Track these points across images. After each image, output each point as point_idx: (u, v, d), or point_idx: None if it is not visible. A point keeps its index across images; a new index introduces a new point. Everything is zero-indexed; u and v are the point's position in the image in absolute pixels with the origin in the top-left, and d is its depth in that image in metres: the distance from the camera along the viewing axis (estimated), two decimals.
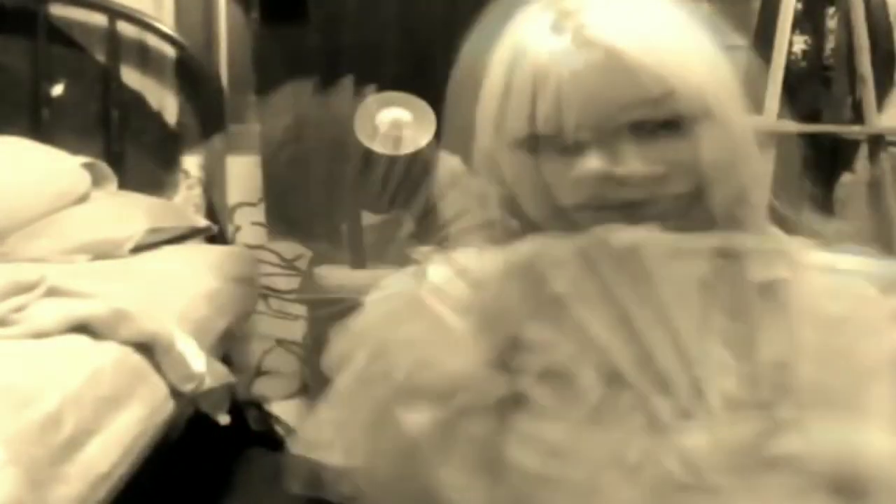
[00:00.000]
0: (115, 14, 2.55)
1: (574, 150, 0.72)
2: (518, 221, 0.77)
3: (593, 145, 0.71)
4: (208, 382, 1.62)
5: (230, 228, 2.73)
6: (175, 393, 1.57)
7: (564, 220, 0.74)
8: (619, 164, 0.71)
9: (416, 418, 0.73)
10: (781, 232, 0.81)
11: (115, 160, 2.56)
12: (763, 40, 2.65)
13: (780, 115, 2.58)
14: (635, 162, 0.71)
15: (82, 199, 2.32)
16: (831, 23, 2.63)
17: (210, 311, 1.94)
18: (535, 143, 0.73)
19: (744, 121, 0.76)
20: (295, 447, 0.81)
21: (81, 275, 1.94)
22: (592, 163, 0.70)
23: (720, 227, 0.74)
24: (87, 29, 2.58)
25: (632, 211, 0.71)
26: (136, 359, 1.46)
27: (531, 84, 0.71)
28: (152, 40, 2.60)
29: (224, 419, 1.73)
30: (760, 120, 2.63)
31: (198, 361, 1.58)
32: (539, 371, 0.72)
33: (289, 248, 2.77)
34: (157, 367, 1.52)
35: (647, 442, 0.69)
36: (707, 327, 0.72)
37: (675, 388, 0.70)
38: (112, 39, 2.56)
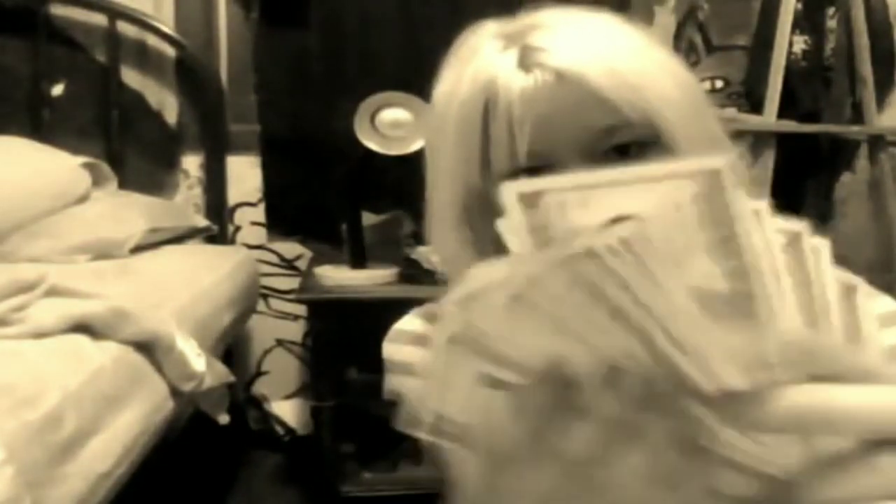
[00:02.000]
0: (115, 14, 2.55)
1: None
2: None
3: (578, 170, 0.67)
4: (208, 382, 1.62)
5: (230, 228, 2.74)
6: (175, 392, 1.57)
7: None
8: None
9: None
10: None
11: (115, 160, 2.56)
12: (763, 40, 2.65)
13: (780, 115, 2.58)
14: None
15: (82, 199, 2.32)
16: (831, 23, 2.63)
17: (210, 311, 1.94)
18: (523, 175, 0.69)
19: (702, 144, 0.71)
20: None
21: (81, 275, 1.94)
22: None
23: None
24: (87, 29, 2.58)
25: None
26: (137, 358, 1.46)
27: (506, 120, 0.68)
28: (152, 40, 2.60)
29: (224, 419, 1.73)
30: (760, 120, 2.64)
31: (198, 361, 1.58)
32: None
33: (289, 248, 2.78)
34: (158, 367, 1.52)
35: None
36: None
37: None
38: (112, 39, 2.56)
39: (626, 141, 0.68)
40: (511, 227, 0.34)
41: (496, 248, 0.73)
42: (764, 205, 0.36)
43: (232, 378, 1.73)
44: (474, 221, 0.73)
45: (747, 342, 0.35)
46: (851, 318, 0.38)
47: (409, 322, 0.86)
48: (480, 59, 0.71)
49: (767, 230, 0.36)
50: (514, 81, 0.68)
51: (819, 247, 0.37)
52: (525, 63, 0.68)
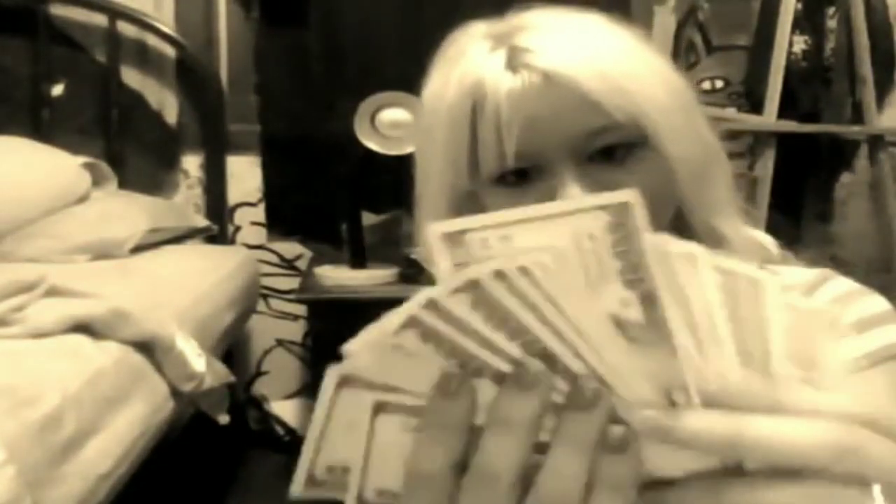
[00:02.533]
0: (115, 14, 2.55)
1: (540, 179, 0.69)
2: None
3: (567, 172, 0.68)
4: (208, 382, 1.62)
5: (230, 228, 2.74)
6: (175, 393, 1.57)
7: None
8: (595, 186, 0.68)
9: None
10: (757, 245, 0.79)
11: (115, 160, 2.56)
12: (763, 40, 2.65)
13: (780, 115, 2.58)
14: (607, 185, 0.67)
15: (82, 199, 2.32)
16: (831, 23, 2.64)
17: (210, 311, 1.94)
18: (510, 178, 0.70)
19: (690, 147, 0.72)
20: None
21: (81, 275, 1.94)
22: (575, 190, 0.67)
23: None
24: (87, 29, 2.58)
25: None
26: (137, 358, 1.46)
27: (494, 121, 0.68)
28: (152, 40, 2.60)
29: (223, 419, 1.73)
30: (760, 120, 2.64)
31: (198, 361, 1.58)
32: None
33: (289, 248, 2.78)
34: (158, 367, 1.52)
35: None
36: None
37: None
38: (112, 39, 2.56)
39: (613, 143, 0.68)
40: (437, 266, 0.36)
41: None
42: (699, 249, 0.37)
43: (232, 378, 1.73)
44: None
45: (662, 366, 0.36)
46: (805, 344, 0.39)
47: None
48: (468, 61, 0.71)
49: (702, 271, 0.37)
50: (501, 83, 0.68)
51: (762, 280, 0.38)
52: (512, 64, 0.68)
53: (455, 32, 0.74)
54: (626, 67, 0.69)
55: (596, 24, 0.72)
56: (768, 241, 0.80)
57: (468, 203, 0.72)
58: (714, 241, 0.74)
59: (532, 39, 0.69)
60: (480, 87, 0.68)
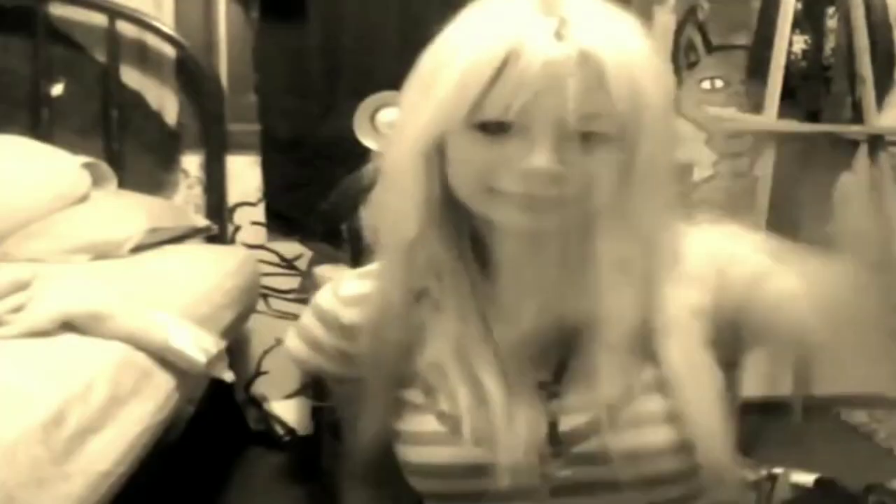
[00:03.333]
0: (115, 14, 2.55)
1: (519, 138, 0.74)
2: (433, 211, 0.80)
3: (546, 141, 0.73)
4: (210, 361, 1.61)
5: (230, 228, 2.74)
6: (178, 389, 1.57)
7: (488, 202, 0.77)
8: (563, 164, 0.73)
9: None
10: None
11: (115, 160, 2.56)
12: (763, 40, 2.65)
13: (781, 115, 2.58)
14: (572, 165, 0.74)
15: (82, 199, 2.32)
16: (831, 23, 2.64)
17: (210, 311, 1.94)
18: (493, 127, 0.74)
19: (660, 154, 0.78)
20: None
21: (81, 275, 1.94)
22: (543, 160, 0.73)
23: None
24: (87, 29, 2.58)
25: (541, 207, 0.75)
26: (139, 358, 1.46)
27: (520, 76, 0.72)
28: (152, 40, 2.60)
29: (229, 377, 1.73)
30: (760, 120, 2.64)
31: (199, 355, 1.57)
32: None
33: (289, 248, 2.78)
34: (162, 363, 1.52)
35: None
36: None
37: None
38: (112, 39, 2.56)
39: (594, 129, 0.73)
40: None
41: (436, 182, 0.77)
42: None
43: (223, 343, 1.72)
44: (429, 175, 0.78)
45: None
46: None
47: (355, 286, 0.90)
48: (513, 18, 0.74)
49: None
50: (543, 46, 0.72)
51: None
52: (559, 33, 0.73)
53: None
54: (643, 66, 0.75)
55: (625, 19, 0.77)
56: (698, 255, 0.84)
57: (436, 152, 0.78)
58: (640, 244, 0.79)
59: (578, 17, 0.74)
60: (520, 43, 0.72)
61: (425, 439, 0.84)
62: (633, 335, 0.79)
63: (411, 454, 0.85)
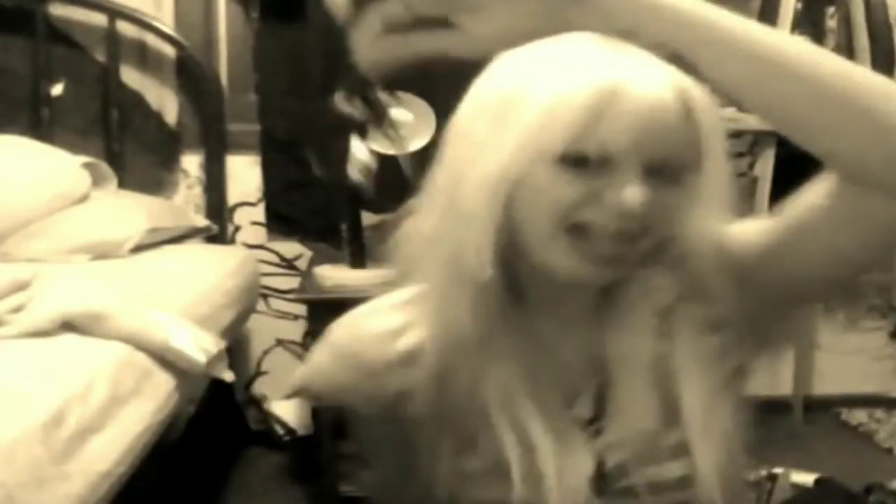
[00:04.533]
0: (115, 14, 2.55)
1: (607, 172, 0.73)
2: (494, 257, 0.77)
3: (638, 177, 0.73)
4: (210, 361, 1.61)
5: (230, 228, 2.74)
6: (178, 389, 1.57)
7: (563, 241, 0.75)
8: (649, 197, 0.73)
9: None
10: None
11: (115, 160, 2.56)
12: None
13: None
14: (657, 199, 0.73)
15: (82, 199, 2.32)
16: (831, 23, 2.64)
17: (210, 311, 1.94)
18: (574, 160, 0.73)
19: (724, 180, 0.78)
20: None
21: (81, 275, 1.94)
22: (639, 195, 0.72)
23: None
24: (87, 29, 2.58)
25: (624, 244, 0.75)
26: (140, 357, 1.46)
27: (597, 101, 0.71)
28: (152, 40, 2.60)
29: (229, 377, 1.73)
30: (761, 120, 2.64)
31: (199, 355, 1.57)
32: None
33: (289, 248, 2.78)
34: (162, 363, 1.52)
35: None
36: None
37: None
38: (112, 39, 2.56)
39: (673, 160, 0.74)
40: None
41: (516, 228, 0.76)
42: None
43: (223, 343, 1.72)
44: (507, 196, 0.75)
45: None
46: None
47: (386, 319, 0.85)
48: (592, 53, 0.73)
49: None
50: (648, 85, 0.72)
51: None
52: (656, 76, 0.73)
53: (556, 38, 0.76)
54: (716, 117, 0.76)
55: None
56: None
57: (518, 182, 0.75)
58: (685, 260, 0.79)
59: (643, 54, 0.74)
60: (621, 80, 0.71)
61: (474, 478, 0.81)
62: (659, 365, 0.80)
63: (460, 492, 0.82)
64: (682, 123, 0.73)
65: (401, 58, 0.72)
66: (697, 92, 0.74)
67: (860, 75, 0.69)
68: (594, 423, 0.81)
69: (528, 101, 0.73)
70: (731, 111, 3.08)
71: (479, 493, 0.82)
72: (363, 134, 2.02)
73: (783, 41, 0.71)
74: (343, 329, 0.86)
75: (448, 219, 0.78)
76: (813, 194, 0.78)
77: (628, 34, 0.67)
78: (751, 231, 0.81)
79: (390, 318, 0.84)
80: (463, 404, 0.80)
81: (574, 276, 0.76)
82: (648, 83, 0.72)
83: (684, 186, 0.75)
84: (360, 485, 0.92)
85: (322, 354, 0.87)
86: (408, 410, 0.82)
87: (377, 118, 1.98)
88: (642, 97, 0.71)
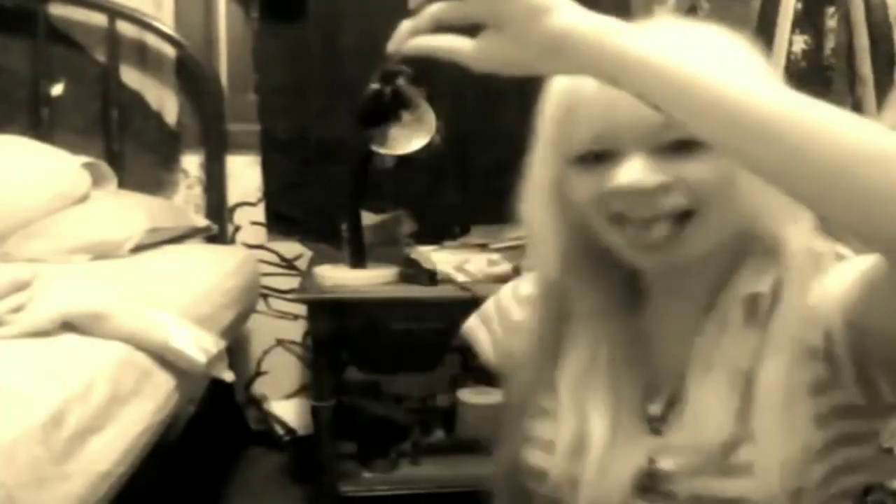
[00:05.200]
0: (115, 14, 2.55)
1: (614, 161, 0.76)
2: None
3: (636, 158, 0.75)
4: (210, 361, 1.61)
5: (230, 228, 2.74)
6: (178, 389, 1.56)
7: (614, 232, 0.80)
8: (664, 174, 0.75)
9: None
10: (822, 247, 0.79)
11: (115, 160, 2.56)
12: (763, 40, 2.64)
13: None
14: (676, 174, 0.75)
15: (82, 199, 2.32)
16: (831, 23, 2.63)
17: (210, 311, 1.94)
18: (591, 158, 0.78)
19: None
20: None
21: (81, 275, 1.94)
22: (628, 175, 0.75)
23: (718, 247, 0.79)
24: (87, 29, 2.58)
25: (647, 227, 0.76)
26: (140, 357, 1.46)
27: (584, 104, 0.77)
28: (152, 40, 2.60)
29: (229, 377, 1.73)
30: None
31: (199, 355, 1.57)
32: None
33: (289, 248, 2.78)
34: (162, 363, 1.52)
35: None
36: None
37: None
38: (112, 39, 2.56)
39: (684, 137, 0.73)
40: None
41: (572, 224, 0.82)
42: None
43: (223, 344, 1.72)
44: (561, 199, 0.82)
45: None
46: None
47: (526, 285, 0.96)
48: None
49: None
50: None
51: None
52: None
53: None
54: None
55: (677, 23, 0.83)
56: (827, 247, 0.79)
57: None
58: (776, 248, 0.78)
59: None
60: (580, 83, 0.77)
61: (533, 444, 0.87)
62: (743, 380, 0.77)
63: (528, 455, 0.88)
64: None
65: (422, 52, 0.76)
66: None
67: (849, 137, 0.58)
68: (659, 423, 0.81)
69: (540, 115, 0.82)
70: None
71: (532, 459, 0.86)
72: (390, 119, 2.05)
73: (767, 100, 0.60)
74: (506, 288, 1.00)
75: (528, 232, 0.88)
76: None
77: (612, 82, 0.66)
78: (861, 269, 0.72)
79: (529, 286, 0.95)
80: (546, 376, 0.87)
81: (635, 264, 0.80)
82: None
83: (710, 156, 0.74)
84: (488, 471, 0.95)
85: (489, 304, 1.01)
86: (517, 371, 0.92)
87: (403, 106, 2.02)
88: (590, 85, 0.74)
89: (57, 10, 2.56)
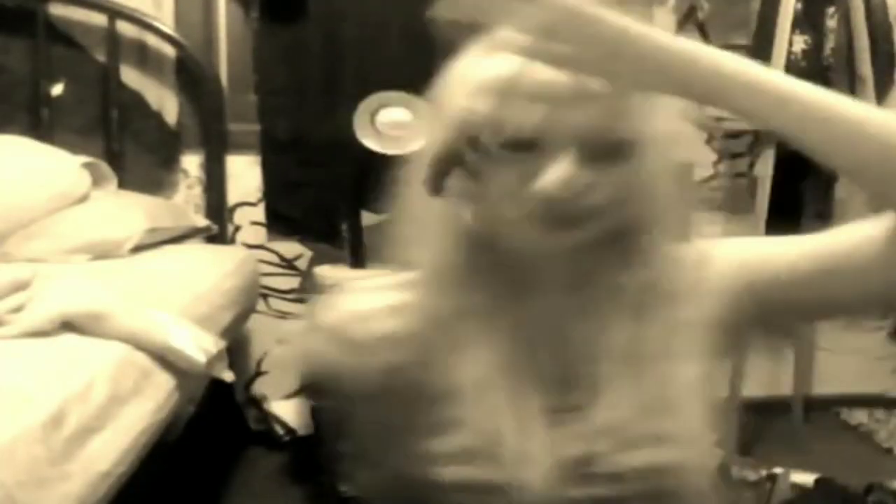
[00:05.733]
0: (115, 14, 2.55)
1: (535, 153, 0.74)
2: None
3: (563, 157, 0.73)
4: (210, 361, 1.61)
5: (230, 228, 2.74)
6: (178, 389, 1.57)
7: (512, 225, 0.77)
8: (594, 174, 0.74)
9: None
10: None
11: (115, 160, 2.56)
12: (763, 40, 2.65)
13: None
14: (587, 177, 0.74)
15: (82, 199, 2.32)
16: (831, 23, 2.63)
17: (210, 311, 1.94)
18: (514, 145, 0.75)
19: (666, 159, 0.79)
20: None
21: (81, 275, 1.94)
22: (552, 178, 0.73)
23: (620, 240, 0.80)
24: (87, 29, 2.58)
25: (567, 224, 0.75)
26: (140, 357, 1.46)
27: (502, 85, 0.74)
28: (152, 40, 2.60)
29: (229, 377, 1.73)
30: None
31: (199, 354, 1.57)
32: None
33: (289, 248, 2.78)
34: (162, 363, 1.52)
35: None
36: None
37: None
38: (112, 39, 2.56)
39: (617, 140, 0.74)
40: None
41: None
42: None
43: (223, 344, 1.72)
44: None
45: None
46: None
47: (377, 298, 0.87)
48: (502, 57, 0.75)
49: None
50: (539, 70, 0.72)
51: None
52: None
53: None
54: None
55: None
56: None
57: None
58: (658, 261, 0.80)
59: None
60: (519, 68, 0.74)
61: (448, 459, 0.82)
62: (648, 355, 0.80)
63: (435, 475, 0.82)
64: (601, 98, 0.73)
65: (469, 20, 0.75)
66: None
67: None
68: (572, 411, 0.81)
69: (449, 97, 0.80)
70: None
71: (453, 475, 0.81)
72: None
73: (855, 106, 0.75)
74: (330, 311, 0.87)
75: (406, 214, 0.82)
76: (862, 232, 0.79)
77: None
78: (772, 250, 0.83)
79: (374, 298, 0.87)
80: (441, 385, 0.81)
81: (535, 248, 0.78)
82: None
83: (631, 164, 0.75)
84: (354, 485, 0.90)
85: (312, 336, 0.89)
86: (392, 390, 0.83)
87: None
88: (541, 75, 0.72)
89: (57, 10, 2.56)
